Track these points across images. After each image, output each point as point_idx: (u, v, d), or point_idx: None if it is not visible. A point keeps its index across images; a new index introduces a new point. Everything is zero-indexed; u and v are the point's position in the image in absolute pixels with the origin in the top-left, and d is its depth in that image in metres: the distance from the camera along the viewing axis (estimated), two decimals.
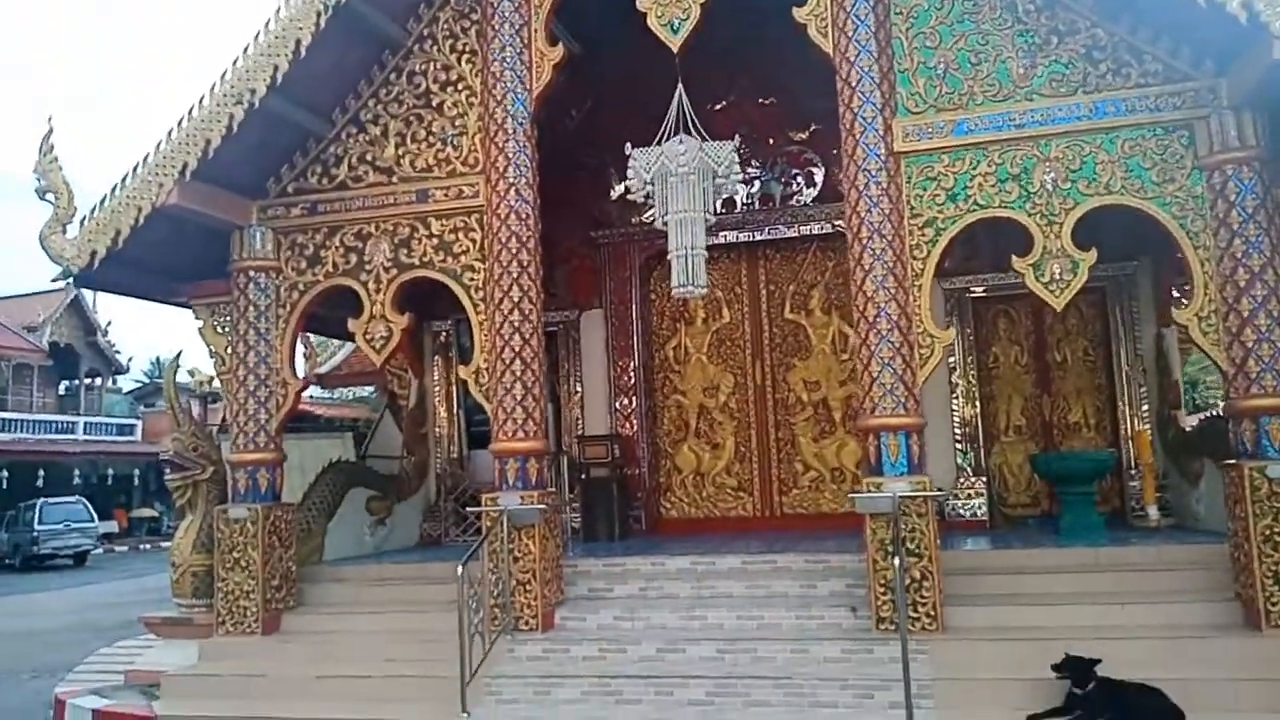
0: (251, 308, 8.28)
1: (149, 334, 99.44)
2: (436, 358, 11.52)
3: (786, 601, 7.19)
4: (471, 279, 7.89)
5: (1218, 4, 5.86)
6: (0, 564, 26.85)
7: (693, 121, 7.05)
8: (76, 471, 34.03)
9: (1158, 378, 9.44)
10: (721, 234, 9.97)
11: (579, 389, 10.91)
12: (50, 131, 7.82)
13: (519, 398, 7.57)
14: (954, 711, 5.84)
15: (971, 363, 9.89)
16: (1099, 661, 5.56)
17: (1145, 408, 9.42)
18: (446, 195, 8.03)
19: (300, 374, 8.67)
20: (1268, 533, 6.14)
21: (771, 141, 10.45)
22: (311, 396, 17.13)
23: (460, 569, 6.45)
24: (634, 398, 10.69)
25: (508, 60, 7.79)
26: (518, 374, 7.59)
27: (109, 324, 40.36)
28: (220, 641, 7.78)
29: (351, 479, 9.64)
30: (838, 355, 10.43)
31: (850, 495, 7.17)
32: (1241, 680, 5.75)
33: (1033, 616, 6.60)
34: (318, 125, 8.28)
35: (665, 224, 7.14)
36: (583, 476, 10.06)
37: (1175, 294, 9.93)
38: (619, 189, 10.90)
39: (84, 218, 7.77)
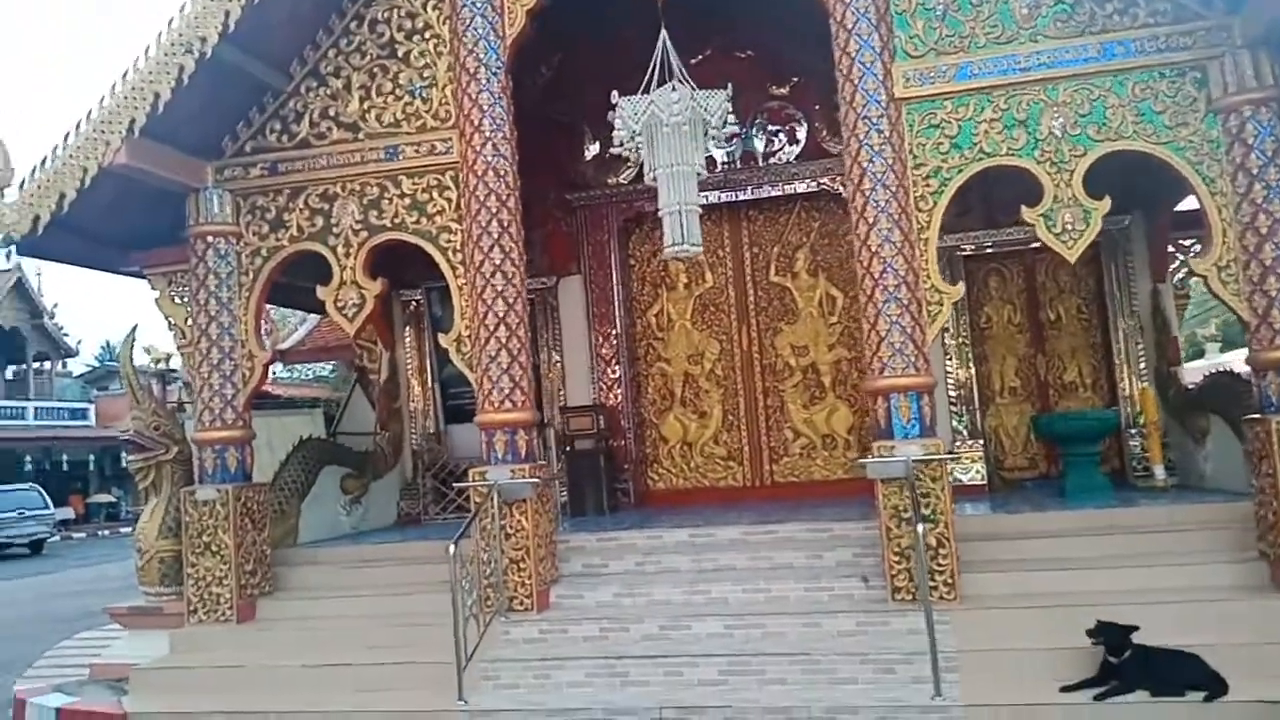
0: (211, 276, 7.74)
1: (99, 316, 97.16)
2: (408, 328, 11.03)
3: (793, 573, 6.87)
4: (448, 241, 7.42)
5: None
6: None
7: (680, 70, 6.63)
8: (28, 458, 32.97)
9: (1155, 334, 9.23)
10: (702, 194, 9.46)
11: (559, 358, 10.49)
12: None
13: (504, 366, 7.14)
14: (981, 684, 5.56)
15: (964, 323, 9.61)
16: (1136, 629, 5.31)
17: (1143, 365, 9.20)
18: (418, 152, 7.53)
19: (266, 347, 8.14)
20: None
21: (751, 97, 10.02)
22: (273, 377, 16.54)
23: (452, 548, 6.04)
24: (617, 366, 10.29)
25: (477, 5, 7.29)
26: (502, 341, 7.15)
27: (55, 306, 39.03)
28: (192, 631, 7.31)
29: (324, 457, 9.16)
30: (826, 318, 10.12)
31: (860, 461, 6.84)
32: (1272, 644, 5.52)
33: (1050, 582, 6.34)
34: (275, 79, 7.71)
35: (654, 179, 6.74)
36: (566, 449, 9.67)
37: (1170, 248, 9.74)
38: (593, 149, 10.51)
39: (23, 181, 7.19)
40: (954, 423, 9.40)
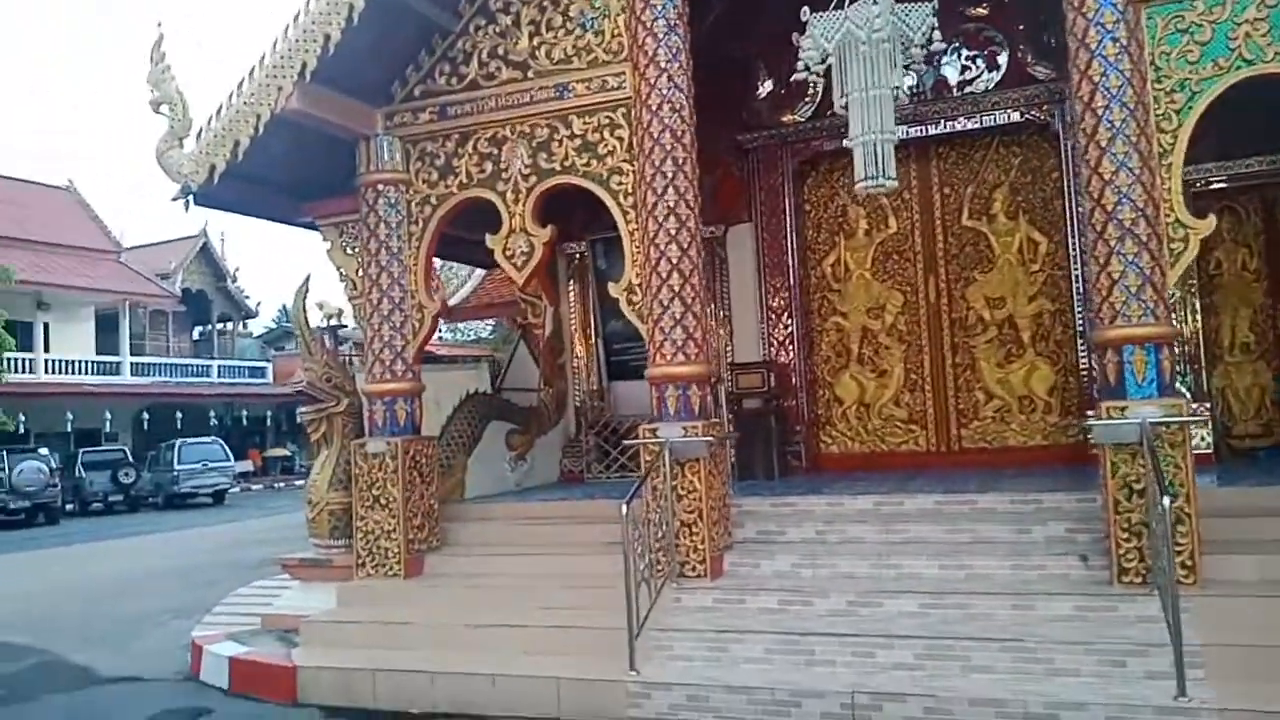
0: (382, 225, 7.57)
1: (276, 280, 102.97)
2: (572, 282, 10.71)
3: (995, 548, 6.14)
4: (619, 183, 6.98)
5: None
6: (144, 502, 27.83)
7: None
8: (212, 413, 35.06)
9: None
10: None
11: (726, 312, 9.93)
12: (161, 39, 7.20)
13: (677, 316, 6.66)
14: (1232, 685, 4.75)
15: (1190, 270, 8.47)
16: None
17: None
18: (588, 89, 7.09)
19: (435, 298, 7.93)
20: None
21: (944, 19, 9.05)
22: (436, 337, 16.70)
23: (625, 508, 5.62)
24: (789, 321, 9.65)
25: None
26: (675, 289, 6.66)
27: (237, 269, 41.38)
28: (360, 585, 7.23)
29: (490, 412, 8.96)
30: (1026, 266, 9.14)
31: (1087, 423, 6.02)
32: None
33: None
34: (444, 18, 7.42)
35: (843, 106, 6.07)
36: (734, 409, 9.14)
37: None
38: (767, 86, 9.81)
39: (200, 130, 7.17)
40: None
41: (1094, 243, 5.79)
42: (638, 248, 6.85)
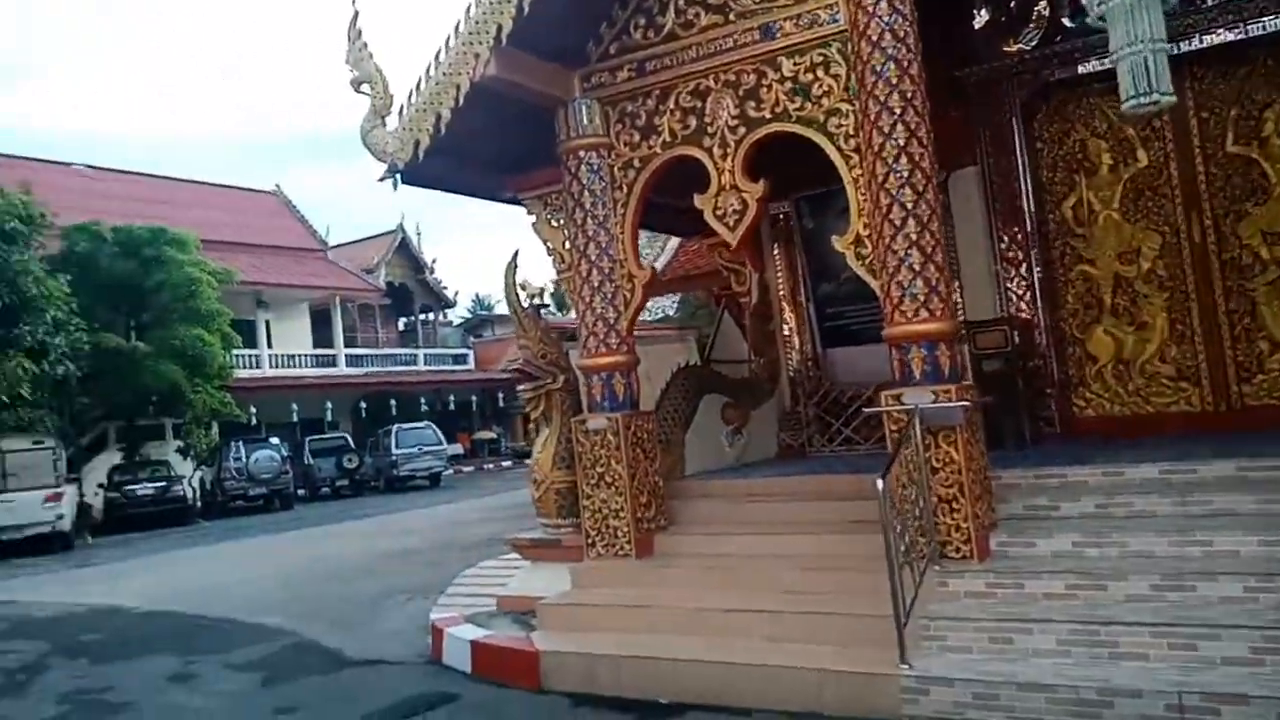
0: (586, 193, 7.27)
1: (468, 273, 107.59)
2: (776, 246, 10.13)
3: None
4: (838, 126, 6.37)
5: None
6: (367, 486, 29.40)
7: None
8: (422, 400, 36.66)
9: None
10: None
11: (954, 266, 9.02)
12: (356, 15, 7.13)
13: (916, 267, 5.99)
14: None
15: None
16: None
17: None
18: (796, 26, 6.51)
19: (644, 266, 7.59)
20: None
21: None
22: None
23: (880, 483, 5.05)
24: (1026, 272, 8.71)
25: None
26: (912, 237, 5.99)
27: (434, 261, 43.05)
28: (592, 566, 6.99)
29: (703, 385, 8.56)
30: None
31: None
32: None
33: None
34: None
35: (1099, 17, 5.27)
36: (973, 372, 8.32)
37: None
38: (983, 14, 8.87)
39: (401, 107, 7.08)
40: None
41: None
42: (864, 195, 6.23)
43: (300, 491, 27.61)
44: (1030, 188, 8.78)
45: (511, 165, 7.80)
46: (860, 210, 6.27)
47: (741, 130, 6.72)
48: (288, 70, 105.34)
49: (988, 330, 8.41)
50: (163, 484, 24.12)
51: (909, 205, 6.00)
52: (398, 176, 7.20)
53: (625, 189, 7.24)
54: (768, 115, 6.63)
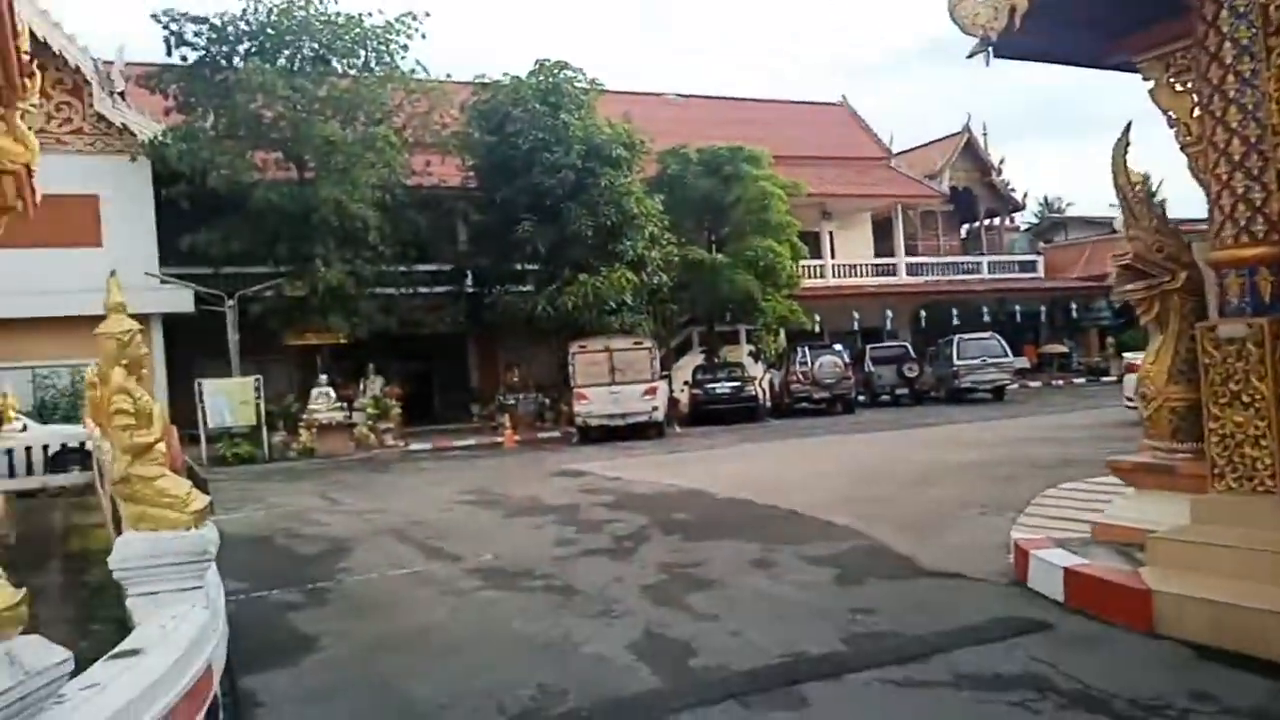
0: (1228, 45, 5.80)
1: (1036, 176, 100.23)
2: None
3: None
4: None
5: None
6: (926, 396, 29.05)
7: None
8: (984, 309, 35.06)
9: None
10: None
11: None
12: None
13: None
14: None
15: None
16: None
17: None
18: None
19: None
20: None
21: None
22: None
23: None
24: None
25: None
26: None
27: (1001, 162, 40.49)
28: (1219, 499, 5.77)
29: None
30: None
31: None
32: None
33: None
34: None
35: None
36: None
37: None
38: None
39: None
40: None
41: None
42: None
43: (860, 397, 28.18)
44: None
45: (1123, 22, 6.56)
46: None
47: None
48: None
49: None
50: (737, 384, 26.22)
51: None
52: (989, 50, 6.43)
53: None
54: None
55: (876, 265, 37.32)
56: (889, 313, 34.00)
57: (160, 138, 22.75)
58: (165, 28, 23.22)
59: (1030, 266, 39.92)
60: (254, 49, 23.47)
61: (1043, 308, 37.36)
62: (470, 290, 26.79)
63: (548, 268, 24.29)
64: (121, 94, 23.27)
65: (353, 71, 24.38)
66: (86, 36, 27.74)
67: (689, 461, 16.43)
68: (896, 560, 7.47)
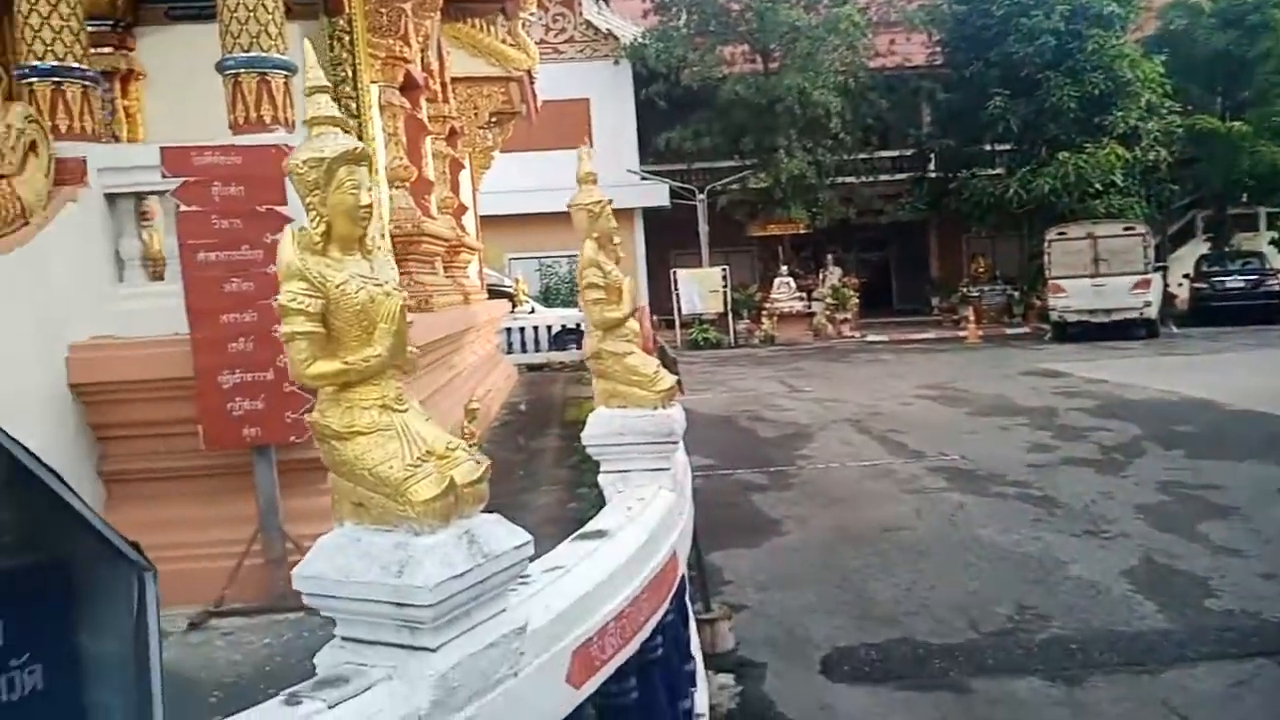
0: None
1: None
2: None
3: None
4: None
5: None
6: None
7: None
8: None
9: None
10: None
11: None
12: None
13: None
14: None
15: None
16: None
17: None
18: None
19: None
20: None
21: None
22: None
23: None
24: None
25: None
26: None
27: None
28: None
29: None
30: None
31: None
32: None
33: None
34: None
35: None
36: None
37: None
38: None
39: None
40: None
41: None
42: None
43: None
44: None
45: None
46: None
47: None
48: None
49: None
50: (1254, 277, 22.14)
51: None
52: None
53: None
54: None
55: None
56: None
57: (640, 39, 24.23)
58: None
59: None
60: None
61: None
62: (933, 175, 25.57)
63: (1021, 147, 22.34)
64: (606, 0, 25.09)
65: None
66: None
67: (1192, 367, 14.21)
68: None
